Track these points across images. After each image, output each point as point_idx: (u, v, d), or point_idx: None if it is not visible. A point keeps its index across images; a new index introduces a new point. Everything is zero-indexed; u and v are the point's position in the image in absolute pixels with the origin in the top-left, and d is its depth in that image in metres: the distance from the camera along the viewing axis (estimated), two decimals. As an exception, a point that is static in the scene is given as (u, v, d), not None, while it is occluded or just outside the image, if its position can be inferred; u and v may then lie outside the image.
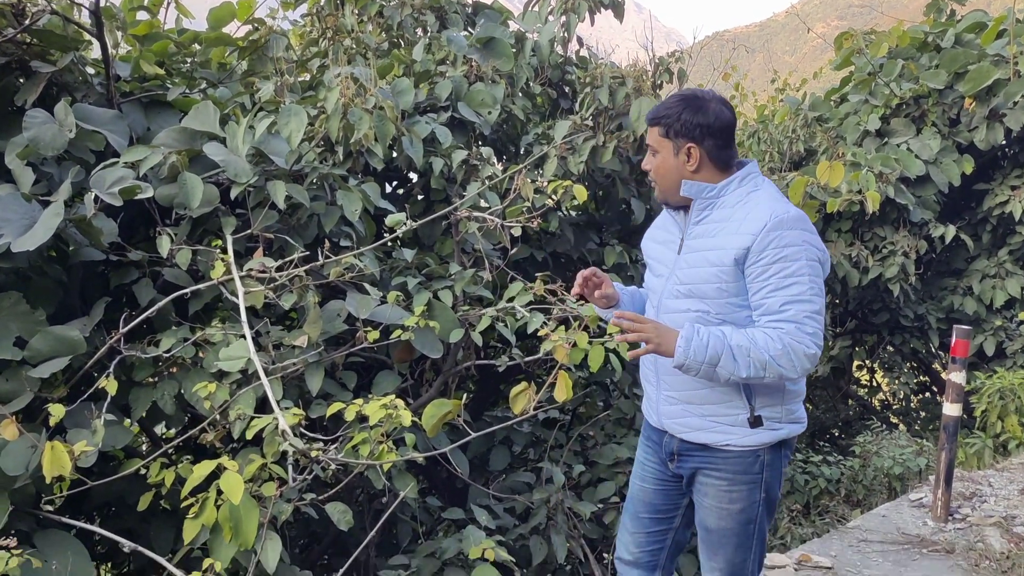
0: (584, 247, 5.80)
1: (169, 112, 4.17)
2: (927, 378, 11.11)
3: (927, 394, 11.27)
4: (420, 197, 5.45)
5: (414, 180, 5.52)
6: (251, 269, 3.30)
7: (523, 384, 3.70)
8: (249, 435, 3.06)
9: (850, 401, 10.70)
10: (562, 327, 3.87)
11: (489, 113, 5.06)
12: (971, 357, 8.77)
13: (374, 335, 3.61)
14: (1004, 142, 8.17)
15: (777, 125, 8.96)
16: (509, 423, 3.76)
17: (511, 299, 4.02)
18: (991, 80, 7.74)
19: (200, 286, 3.42)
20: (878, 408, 11.42)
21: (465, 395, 3.56)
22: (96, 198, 3.33)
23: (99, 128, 3.69)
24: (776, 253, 2.22)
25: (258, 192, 3.69)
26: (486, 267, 4.12)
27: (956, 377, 4.86)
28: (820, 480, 6.14)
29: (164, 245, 3.33)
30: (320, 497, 3.27)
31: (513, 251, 4.31)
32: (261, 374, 2.91)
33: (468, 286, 4.21)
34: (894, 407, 11.45)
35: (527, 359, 4.17)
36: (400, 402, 3.21)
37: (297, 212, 3.91)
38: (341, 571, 3.55)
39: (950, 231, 7.84)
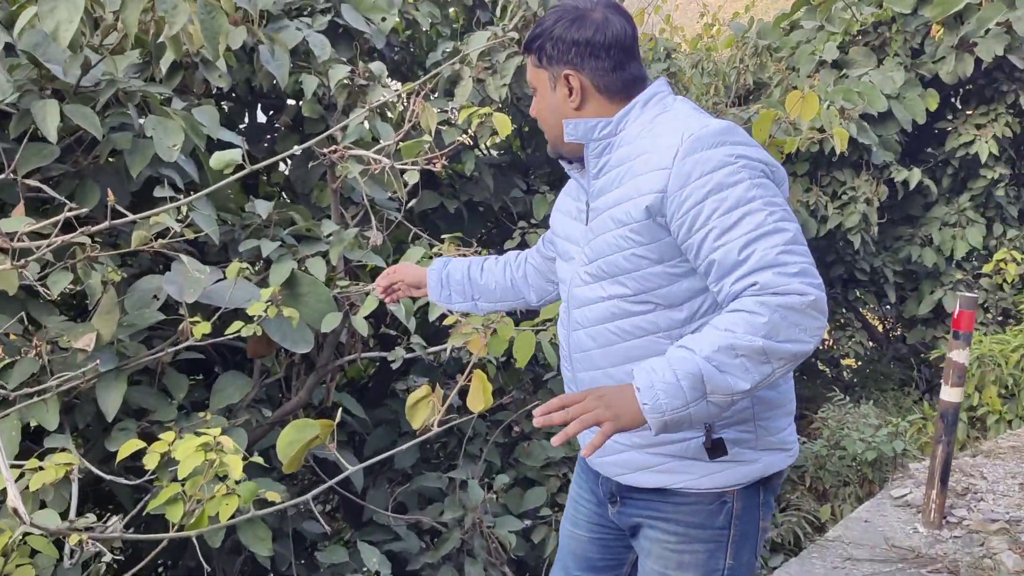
0: (507, 195, 4.70)
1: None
2: (864, 330, 10.50)
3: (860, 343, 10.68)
4: (300, 129, 4.26)
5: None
6: (-6, 236, 2.11)
7: (423, 390, 2.69)
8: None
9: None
10: (478, 311, 2.80)
11: (383, 20, 3.86)
12: (927, 313, 8.11)
13: (203, 328, 2.46)
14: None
15: (721, 54, 7.95)
16: (406, 446, 2.69)
17: (408, 270, 2.91)
18: (962, 5, 6.86)
19: (-86, 262, 2.22)
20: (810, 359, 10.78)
21: (366, 368, 2.62)
22: None
23: None
24: (702, 185, 1.52)
25: (23, 118, 2.47)
26: (373, 224, 2.99)
27: (958, 356, 3.96)
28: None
29: None
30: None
31: (411, 202, 3.19)
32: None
33: (350, 250, 3.08)
34: (825, 356, 10.84)
35: (431, 351, 3.08)
36: (227, 440, 2.10)
37: (95, 148, 2.70)
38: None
39: (915, 175, 7.02)
